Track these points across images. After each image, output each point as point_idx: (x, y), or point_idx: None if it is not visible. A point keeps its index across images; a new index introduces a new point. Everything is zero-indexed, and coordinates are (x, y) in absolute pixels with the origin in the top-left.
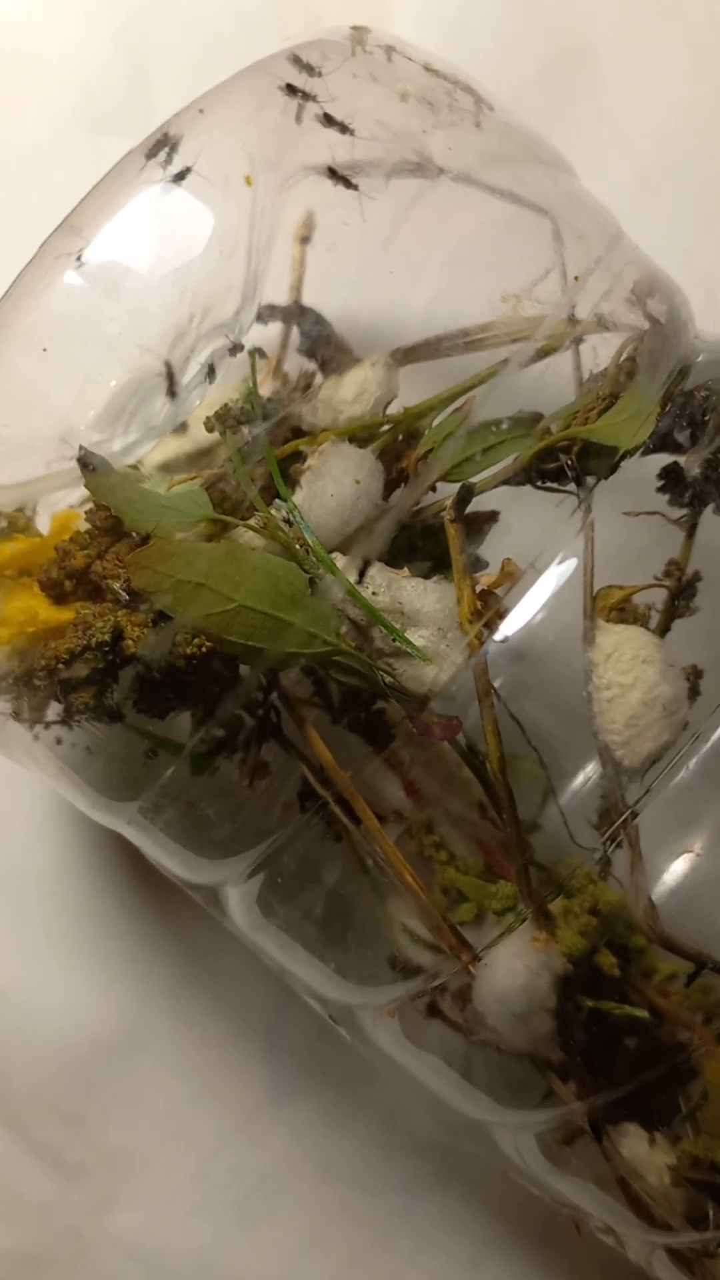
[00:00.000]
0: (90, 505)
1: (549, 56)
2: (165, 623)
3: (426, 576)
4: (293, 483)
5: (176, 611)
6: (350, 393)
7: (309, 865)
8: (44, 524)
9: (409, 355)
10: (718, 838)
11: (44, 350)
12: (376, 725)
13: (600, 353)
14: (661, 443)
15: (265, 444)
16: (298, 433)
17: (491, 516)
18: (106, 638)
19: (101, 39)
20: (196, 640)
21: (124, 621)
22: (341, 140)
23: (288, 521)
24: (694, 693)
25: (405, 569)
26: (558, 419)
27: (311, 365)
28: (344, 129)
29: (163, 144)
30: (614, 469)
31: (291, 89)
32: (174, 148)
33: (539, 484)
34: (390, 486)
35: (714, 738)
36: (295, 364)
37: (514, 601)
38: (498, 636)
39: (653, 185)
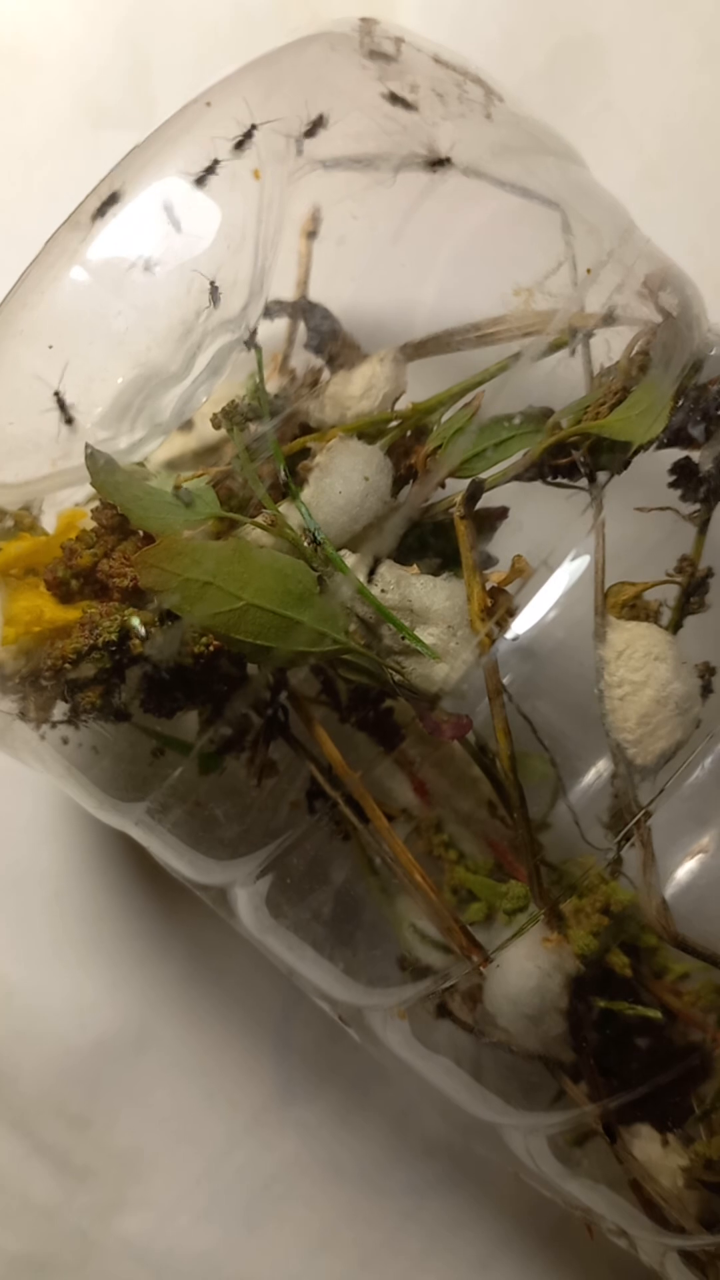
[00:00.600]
0: (96, 503)
1: (555, 48)
2: (173, 622)
3: (436, 574)
4: (301, 480)
5: (184, 610)
6: (358, 388)
7: (318, 865)
8: (50, 522)
9: (418, 350)
10: None
11: (49, 347)
12: (385, 724)
13: (613, 346)
14: (675, 438)
15: (273, 441)
16: (305, 429)
17: (502, 513)
18: (113, 637)
19: (102, 34)
20: (204, 639)
21: (131, 620)
22: (350, 133)
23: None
24: (707, 690)
25: (415, 566)
26: (569, 414)
27: (319, 361)
28: (407, 105)
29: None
30: (626, 464)
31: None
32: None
33: (550, 480)
34: (399, 483)
35: None
36: (302, 360)
37: (525, 599)
38: (508, 634)
39: (659, 177)
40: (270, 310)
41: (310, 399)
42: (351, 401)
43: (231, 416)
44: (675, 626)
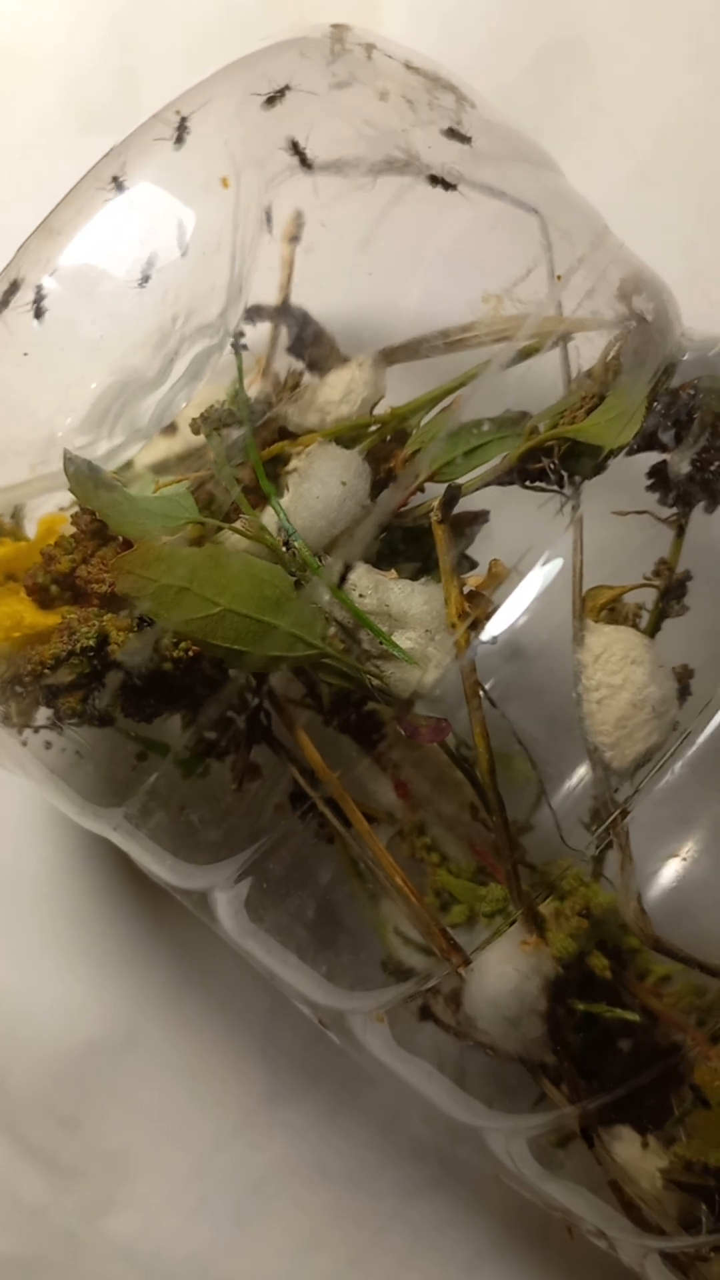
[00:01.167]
0: (76, 509)
1: (542, 49)
2: (150, 627)
3: (414, 578)
4: (280, 484)
5: (160, 616)
6: (337, 393)
7: (298, 868)
8: (30, 528)
9: (395, 355)
10: (710, 838)
11: (24, 355)
12: (367, 726)
13: (585, 352)
14: (647, 442)
15: (251, 446)
16: (285, 434)
17: (479, 517)
18: (91, 642)
19: (90, 36)
20: (182, 644)
21: (109, 626)
22: (328, 139)
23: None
24: (684, 692)
25: (393, 570)
26: (545, 418)
27: (299, 365)
28: (304, 161)
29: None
30: (600, 468)
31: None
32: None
33: (527, 484)
34: (377, 488)
35: (703, 738)
36: (283, 364)
37: (503, 603)
38: (485, 637)
39: (650, 178)
40: (250, 315)
41: (290, 403)
42: (331, 406)
43: (210, 421)
44: (653, 630)
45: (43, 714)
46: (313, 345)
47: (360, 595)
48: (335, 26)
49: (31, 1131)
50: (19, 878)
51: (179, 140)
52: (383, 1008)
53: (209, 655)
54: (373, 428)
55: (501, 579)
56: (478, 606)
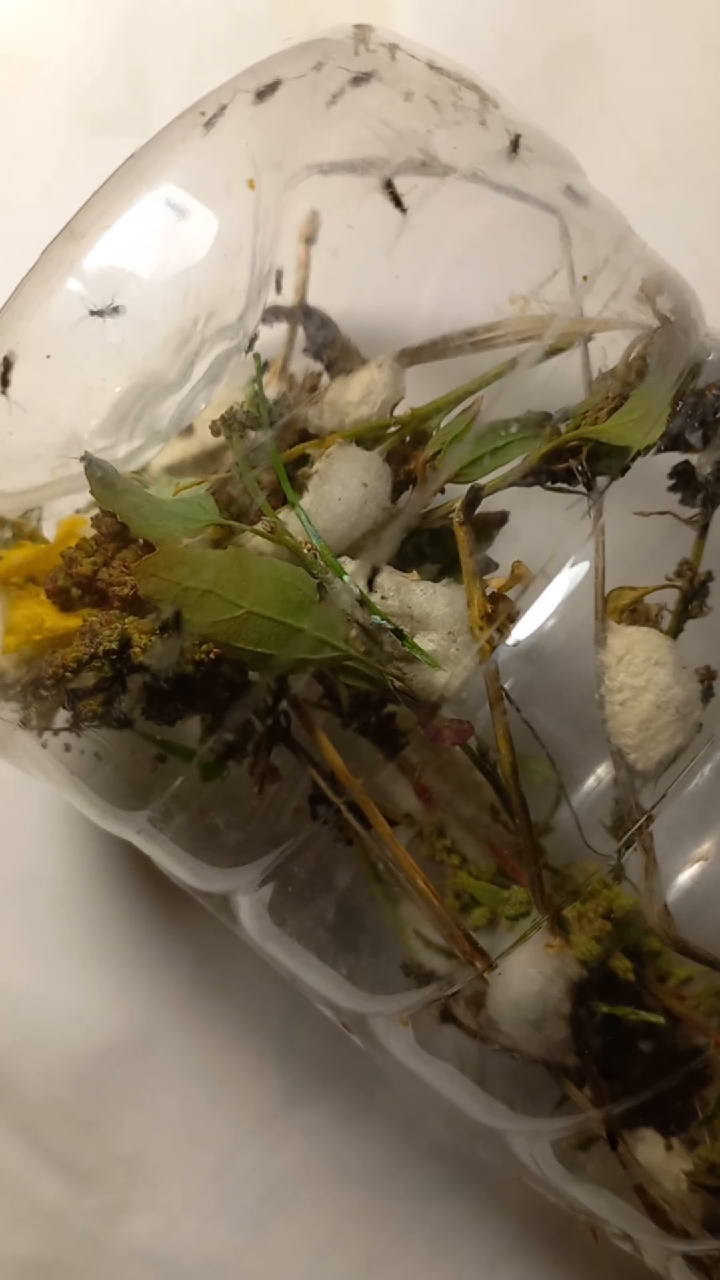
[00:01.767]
0: (96, 511)
1: (552, 49)
2: (173, 630)
3: (436, 580)
4: (300, 486)
5: (184, 619)
6: (357, 395)
7: (320, 872)
8: (50, 530)
9: (415, 356)
10: None
11: (47, 357)
12: (387, 730)
13: (609, 352)
14: (673, 443)
15: (272, 448)
16: (304, 435)
17: (501, 518)
18: (114, 645)
19: (98, 40)
20: (204, 647)
21: (131, 629)
22: (346, 139)
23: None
24: (708, 694)
25: (414, 572)
26: (567, 419)
27: (318, 367)
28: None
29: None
30: (625, 470)
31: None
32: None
33: (549, 485)
34: (398, 489)
35: None
36: (301, 366)
37: (525, 605)
38: (509, 640)
39: (657, 177)
40: (268, 316)
41: (309, 405)
42: (350, 407)
43: (230, 424)
44: (675, 631)
45: (62, 716)
46: (328, 346)
47: (383, 597)
48: (358, 27)
49: (50, 1135)
50: (37, 881)
51: (201, 143)
52: (405, 1012)
53: (233, 658)
54: (393, 429)
55: (523, 580)
56: (500, 609)
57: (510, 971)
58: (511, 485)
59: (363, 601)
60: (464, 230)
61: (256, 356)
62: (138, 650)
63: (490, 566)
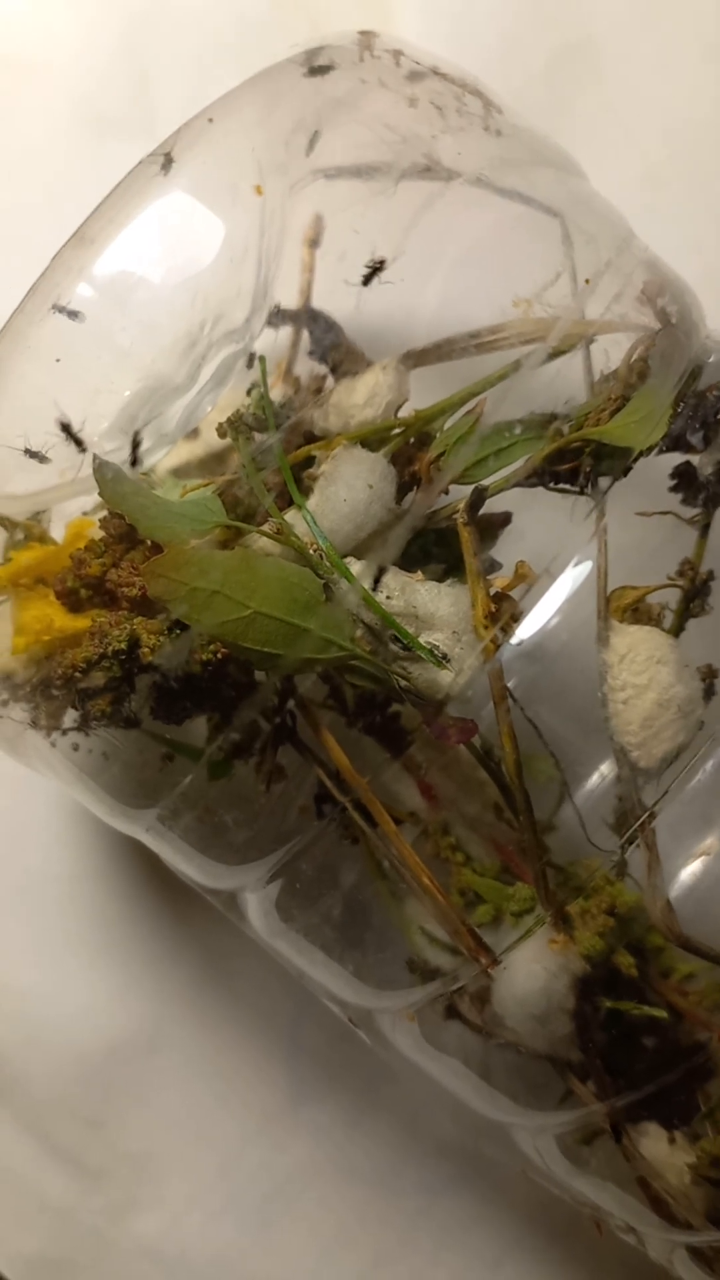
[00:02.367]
0: (104, 513)
1: (554, 51)
2: (181, 630)
3: (440, 580)
4: (306, 488)
5: (192, 619)
6: (361, 397)
7: (327, 869)
8: (59, 532)
9: (419, 358)
10: None
11: (56, 361)
12: (392, 729)
13: (612, 354)
14: (674, 444)
15: (278, 450)
16: (310, 438)
17: (505, 518)
18: (123, 646)
19: (103, 43)
20: (212, 647)
21: (140, 629)
22: (350, 144)
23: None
24: (709, 692)
25: (419, 572)
26: (570, 420)
27: (323, 369)
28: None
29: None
30: (627, 470)
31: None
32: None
33: (552, 486)
34: (403, 490)
35: None
36: (306, 368)
37: (529, 604)
38: (513, 640)
39: (660, 178)
40: (274, 320)
41: (314, 407)
42: (355, 409)
43: (236, 426)
44: (677, 630)
45: (71, 716)
46: (333, 349)
47: (388, 597)
48: (363, 33)
49: (57, 1133)
50: (44, 879)
51: (208, 149)
52: (411, 1007)
53: (241, 658)
54: (397, 431)
55: (528, 580)
56: (504, 608)
57: (514, 967)
58: (515, 486)
59: (367, 601)
60: (468, 234)
61: (262, 360)
62: (146, 650)
63: (494, 566)
